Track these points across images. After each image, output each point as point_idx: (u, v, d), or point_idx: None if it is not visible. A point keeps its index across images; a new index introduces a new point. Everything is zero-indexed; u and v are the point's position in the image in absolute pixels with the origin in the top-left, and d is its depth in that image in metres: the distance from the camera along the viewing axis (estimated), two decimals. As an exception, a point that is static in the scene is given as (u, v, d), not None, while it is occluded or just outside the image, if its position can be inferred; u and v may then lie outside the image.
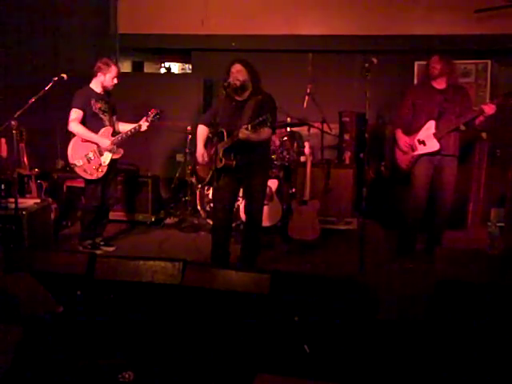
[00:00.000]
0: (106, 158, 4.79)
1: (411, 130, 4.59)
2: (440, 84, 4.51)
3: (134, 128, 4.84)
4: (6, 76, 6.54)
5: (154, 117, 4.87)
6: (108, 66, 4.76)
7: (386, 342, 2.71)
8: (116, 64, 4.87)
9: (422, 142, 4.51)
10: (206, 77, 6.74)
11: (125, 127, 4.96)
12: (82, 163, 4.76)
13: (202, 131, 4.33)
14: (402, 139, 4.62)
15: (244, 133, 3.86)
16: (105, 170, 4.79)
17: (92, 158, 4.77)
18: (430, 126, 4.48)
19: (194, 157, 4.48)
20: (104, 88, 4.81)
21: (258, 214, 4.28)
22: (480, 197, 5.35)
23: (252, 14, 6.66)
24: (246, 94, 4.08)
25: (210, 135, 4.32)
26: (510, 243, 4.68)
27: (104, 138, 4.77)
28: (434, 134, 4.45)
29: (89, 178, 4.80)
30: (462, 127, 4.52)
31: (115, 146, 4.82)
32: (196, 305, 2.85)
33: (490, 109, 4.27)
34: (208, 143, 4.32)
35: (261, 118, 3.80)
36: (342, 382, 2.44)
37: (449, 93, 4.49)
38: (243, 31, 6.68)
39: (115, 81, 4.81)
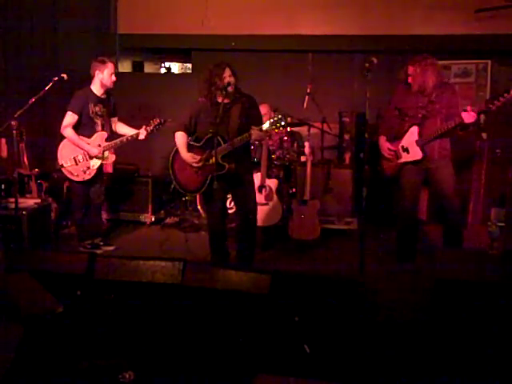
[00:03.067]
0: (96, 162, 4.80)
1: (398, 135, 4.42)
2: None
3: (132, 136, 4.84)
4: (6, 76, 6.54)
5: (154, 127, 4.84)
6: (104, 62, 4.75)
7: (386, 342, 2.71)
8: (112, 62, 4.85)
9: (406, 150, 4.34)
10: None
11: (123, 129, 4.96)
12: (69, 164, 4.78)
13: (182, 138, 4.16)
14: (385, 146, 4.47)
15: (257, 134, 3.90)
16: (92, 173, 4.81)
17: (80, 160, 4.78)
18: (413, 132, 4.28)
19: (174, 168, 4.31)
20: (104, 87, 4.80)
21: (254, 213, 4.28)
22: (480, 196, 5.35)
23: (252, 14, 6.65)
24: (231, 98, 4.07)
25: (192, 142, 4.17)
26: (510, 243, 4.68)
27: (93, 147, 4.77)
28: (417, 142, 4.25)
29: (75, 179, 4.82)
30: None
31: (107, 152, 4.83)
32: (196, 305, 2.85)
33: (469, 117, 3.96)
34: (192, 149, 4.16)
35: (276, 118, 3.83)
36: (342, 382, 2.44)
37: (433, 93, 4.25)
38: (243, 31, 6.67)
39: (113, 77, 4.79)
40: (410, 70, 4.28)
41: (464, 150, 5.16)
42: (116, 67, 6.99)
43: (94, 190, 4.94)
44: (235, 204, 4.44)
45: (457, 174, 4.48)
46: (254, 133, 3.90)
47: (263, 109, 4.97)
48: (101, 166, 4.88)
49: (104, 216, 5.72)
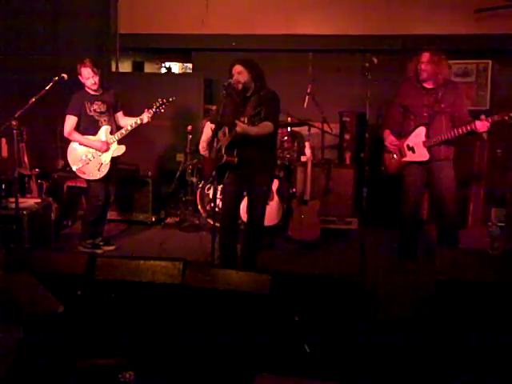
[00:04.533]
0: (106, 157, 4.80)
1: (402, 133, 4.37)
2: (430, 83, 4.23)
3: (136, 122, 4.80)
4: (7, 76, 6.54)
5: (157, 108, 4.80)
6: (79, 66, 4.71)
7: (386, 342, 2.70)
8: (87, 65, 4.67)
9: (411, 149, 4.29)
10: (207, 77, 6.74)
11: (127, 121, 4.93)
12: (81, 165, 4.78)
13: (206, 126, 4.38)
14: (389, 138, 4.41)
15: (241, 126, 3.78)
16: (106, 168, 4.81)
17: (91, 159, 4.78)
18: (420, 133, 4.23)
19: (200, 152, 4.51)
20: (89, 88, 4.80)
21: (260, 214, 4.21)
22: (480, 197, 5.35)
23: (252, 14, 6.65)
24: (249, 93, 4.07)
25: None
26: (510, 243, 4.68)
27: (99, 142, 4.77)
28: (424, 143, 4.21)
29: (90, 178, 4.81)
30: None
31: (114, 144, 4.82)
32: (196, 305, 2.85)
33: (482, 126, 3.96)
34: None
35: (255, 111, 3.79)
36: (342, 382, 2.45)
37: (440, 92, 4.21)
38: (243, 31, 6.67)
39: (88, 82, 4.73)
40: (426, 56, 4.16)
41: (464, 150, 5.16)
42: (116, 67, 7.04)
43: (109, 188, 4.95)
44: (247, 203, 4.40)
45: (457, 174, 4.48)
46: (238, 125, 3.78)
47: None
48: (113, 162, 4.86)
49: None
